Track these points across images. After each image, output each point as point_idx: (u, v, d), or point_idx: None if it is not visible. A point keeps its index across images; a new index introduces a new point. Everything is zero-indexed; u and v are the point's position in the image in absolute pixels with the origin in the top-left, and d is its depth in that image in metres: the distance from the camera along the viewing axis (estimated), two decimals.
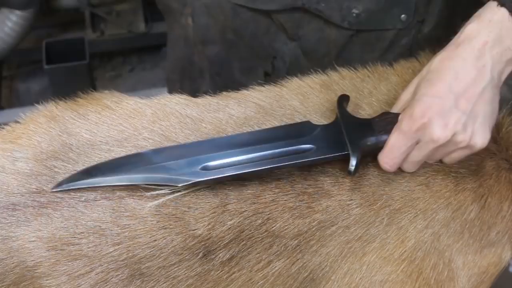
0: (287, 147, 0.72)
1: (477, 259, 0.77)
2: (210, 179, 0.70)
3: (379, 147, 0.73)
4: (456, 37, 0.71)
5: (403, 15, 0.91)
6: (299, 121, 0.77)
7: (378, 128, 0.73)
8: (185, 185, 0.69)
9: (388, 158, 0.71)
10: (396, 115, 0.73)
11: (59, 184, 0.71)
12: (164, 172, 0.70)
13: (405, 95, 0.75)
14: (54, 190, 0.70)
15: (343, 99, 0.76)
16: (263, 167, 0.71)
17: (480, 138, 0.69)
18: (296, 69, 0.98)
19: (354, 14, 0.89)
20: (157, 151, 0.73)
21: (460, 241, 0.75)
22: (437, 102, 0.67)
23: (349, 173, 0.71)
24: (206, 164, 0.71)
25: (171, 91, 1.12)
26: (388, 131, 0.72)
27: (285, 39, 0.95)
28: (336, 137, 0.73)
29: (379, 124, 0.73)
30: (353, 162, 0.70)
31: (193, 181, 0.69)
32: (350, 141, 0.72)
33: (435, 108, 0.67)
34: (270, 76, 1.00)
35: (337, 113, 0.75)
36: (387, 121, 0.73)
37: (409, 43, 0.95)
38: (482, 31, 0.68)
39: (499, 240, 0.77)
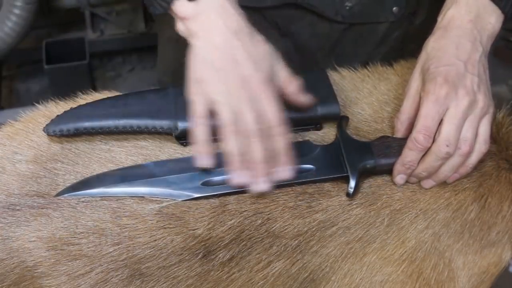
0: None
1: (477, 259, 0.77)
2: (210, 195, 0.71)
3: (377, 170, 0.74)
4: (439, 22, 0.77)
5: (395, 8, 0.91)
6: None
7: (377, 152, 0.74)
8: (186, 200, 0.71)
9: (424, 128, 0.71)
10: (395, 139, 0.76)
11: (60, 194, 0.71)
12: (166, 186, 0.71)
13: (414, 83, 0.76)
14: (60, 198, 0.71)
15: (342, 120, 0.78)
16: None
17: (488, 100, 0.73)
18: (289, 65, 0.98)
19: (347, 7, 0.89)
20: (159, 164, 0.74)
21: (461, 241, 0.75)
22: (452, 69, 0.72)
23: (348, 195, 0.72)
24: (206, 179, 0.72)
25: None
26: (386, 155, 0.74)
27: (277, 36, 0.95)
28: (336, 159, 0.74)
29: (378, 148, 0.74)
30: (352, 184, 0.72)
31: (194, 197, 0.71)
32: (349, 163, 0.73)
33: (452, 73, 0.71)
34: None
35: (337, 134, 0.77)
36: (385, 145, 0.75)
37: (401, 36, 0.95)
38: (463, 12, 0.75)
39: (499, 240, 0.77)
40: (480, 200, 0.76)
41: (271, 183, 0.70)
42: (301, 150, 0.74)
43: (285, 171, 0.71)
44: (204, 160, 0.71)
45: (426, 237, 0.74)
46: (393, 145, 0.74)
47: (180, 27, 0.76)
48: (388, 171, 0.75)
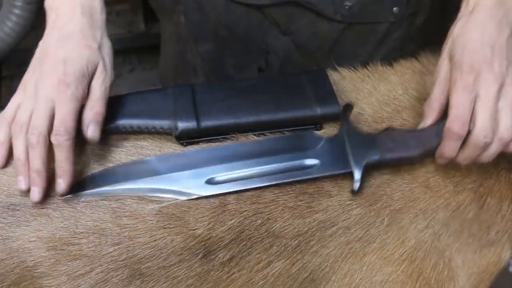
0: (292, 160, 0.73)
1: (476, 258, 0.77)
2: (214, 194, 0.71)
3: (382, 164, 0.74)
4: (462, 9, 0.76)
5: (395, 8, 0.91)
6: None
7: (383, 146, 0.73)
8: (190, 199, 0.71)
9: (456, 117, 0.70)
10: (401, 132, 0.74)
11: (64, 194, 0.71)
12: (169, 184, 0.71)
13: (443, 69, 0.75)
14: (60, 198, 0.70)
15: (347, 109, 0.76)
16: (267, 183, 0.72)
17: None
18: (290, 64, 0.98)
19: (347, 7, 0.89)
20: (162, 160, 0.73)
21: (460, 240, 0.75)
22: (479, 55, 0.70)
23: (353, 191, 0.72)
24: (210, 177, 0.72)
25: None
26: (392, 150, 0.73)
27: (278, 34, 0.95)
28: (340, 153, 0.74)
29: (384, 141, 0.74)
30: (356, 182, 0.71)
31: (197, 196, 0.71)
32: (354, 159, 0.72)
33: (479, 59, 0.70)
34: (264, 72, 1.00)
35: (341, 124, 0.76)
36: (391, 138, 0.74)
37: (402, 36, 0.95)
38: None
39: (499, 239, 0.77)
40: (479, 200, 0.76)
41: (41, 194, 0.69)
42: (305, 142, 0.74)
43: (59, 185, 0.69)
44: (20, 182, 0.70)
45: (426, 237, 0.74)
46: (398, 139, 0.73)
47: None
48: (394, 164, 0.74)
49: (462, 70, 0.70)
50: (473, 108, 0.70)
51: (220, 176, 0.72)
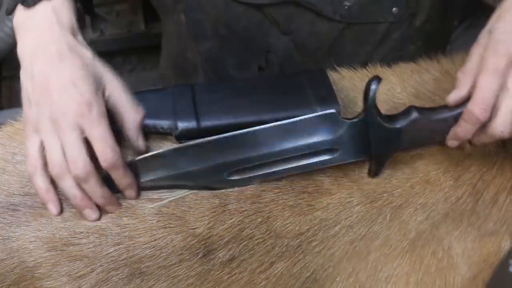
0: (312, 150, 0.72)
1: (476, 247, 0.76)
2: (236, 189, 0.71)
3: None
4: (499, 10, 0.70)
5: (394, 8, 0.91)
6: None
7: (407, 139, 0.72)
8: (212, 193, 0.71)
9: (481, 100, 0.66)
10: (429, 121, 0.71)
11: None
12: (190, 180, 0.71)
13: (482, 40, 0.70)
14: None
15: (370, 87, 0.70)
16: (287, 173, 0.72)
17: None
18: (289, 63, 0.98)
19: (346, 7, 0.89)
20: (180, 151, 0.71)
21: (459, 229, 0.75)
22: None
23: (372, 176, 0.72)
24: (231, 170, 0.71)
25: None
26: (415, 142, 0.72)
27: (278, 33, 0.95)
28: (361, 142, 0.72)
29: (409, 135, 0.72)
30: (377, 170, 0.71)
31: (221, 190, 0.71)
32: (375, 154, 0.72)
33: None
34: (264, 71, 1.00)
35: (364, 108, 0.72)
36: (417, 129, 0.72)
37: (401, 37, 0.95)
38: None
39: (498, 229, 0.77)
40: (478, 191, 0.76)
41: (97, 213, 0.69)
42: (326, 125, 0.72)
43: (131, 193, 0.70)
44: (52, 208, 0.68)
45: (425, 227, 0.74)
46: (423, 131, 0.71)
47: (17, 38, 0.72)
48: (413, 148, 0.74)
49: (497, 50, 0.66)
50: (498, 96, 0.66)
51: (240, 174, 0.72)
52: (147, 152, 0.70)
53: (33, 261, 0.68)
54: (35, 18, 0.71)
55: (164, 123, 0.76)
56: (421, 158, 0.77)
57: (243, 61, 1.01)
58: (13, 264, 0.68)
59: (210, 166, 0.71)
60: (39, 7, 0.71)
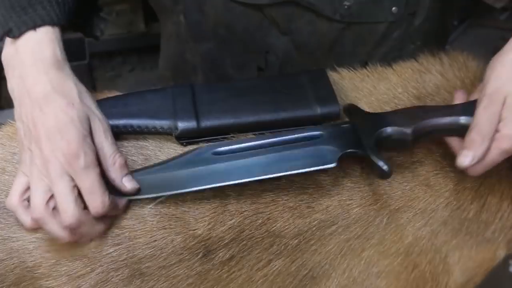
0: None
1: (472, 254, 0.77)
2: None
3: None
4: None
5: (394, 8, 0.91)
6: None
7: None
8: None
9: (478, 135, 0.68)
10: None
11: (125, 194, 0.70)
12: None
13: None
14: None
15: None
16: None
17: None
18: (289, 63, 0.98)
19: (345, 6, 0.89)
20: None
21: (457, 237, 0.76)
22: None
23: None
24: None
25: None
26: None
27: (277, 34, 0.95)
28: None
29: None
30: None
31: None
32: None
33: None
34: (263, 71, 1.00)
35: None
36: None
37: (401, 36, 0.95)
38: None
39: (495, 238, 0.77)
40: (480, 199, 0.76)
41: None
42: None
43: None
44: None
45: (423, 234, 0.74)
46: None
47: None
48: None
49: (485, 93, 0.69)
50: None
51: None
52: (132, 191, 0.69)
53: (33, 261, 0.68)
54: (20, 54, 0.70)
55: (164, 123, 0.76)
56: (422, 162, 0.77)
57: (242, 61, 1.01)
58: (13, 264, 0.68)
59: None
60: (23, 39, 0.70)
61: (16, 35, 0.70)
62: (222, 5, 0.93)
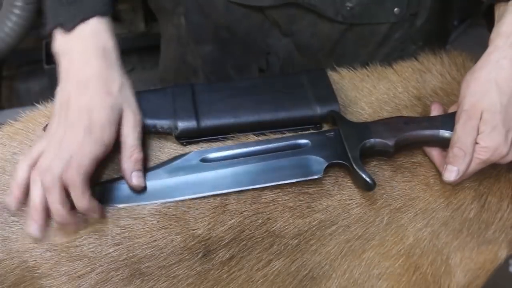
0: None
1: (473, 255, 0.77)
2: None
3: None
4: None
5: (396, 9, 0.91)
6: None
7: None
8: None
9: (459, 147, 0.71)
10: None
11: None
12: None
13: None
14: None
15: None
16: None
17: None
18: (290, 64, 0.98)
19: (348, 8, 0.89)
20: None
21: (459, 238, 0.76)
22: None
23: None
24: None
25: None
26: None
27: (279, 35, 0.95)
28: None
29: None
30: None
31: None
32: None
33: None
34: (264, 72, 1.00)
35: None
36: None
37: (403, 37, 0.96)
38: None
39: (496, 238, 0.77)
40: (480, 199, 0.76)
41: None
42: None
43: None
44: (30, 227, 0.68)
45: (424, 235, 0.74)
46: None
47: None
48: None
49: (463, 107, 0.72)
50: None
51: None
52: (137, 187, 0.71)
53: (33, 261, 0.68)
54: (71, 43, 0.74)
55: (164, 123, 0.76)
56: (422, 165, 0.77)
57: (243, 63, 1.01)
58: (13, 264, 0.68)
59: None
60: (76, 31, 0.74)
61: (67, 29, 0.73)
62: (223, 7, 0.93)
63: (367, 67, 0.87)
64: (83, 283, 0.68)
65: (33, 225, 0.67)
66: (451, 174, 0.72)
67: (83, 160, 0.67)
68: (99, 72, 0.72)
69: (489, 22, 0.79)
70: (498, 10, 0.75)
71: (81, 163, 0.67)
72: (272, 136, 0.77)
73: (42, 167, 0.68)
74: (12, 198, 0.69)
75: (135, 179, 0.70)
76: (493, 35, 0.73)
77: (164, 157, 0.75)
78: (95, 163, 0.69)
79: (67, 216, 0.68)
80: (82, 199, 0.67)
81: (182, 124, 0.75)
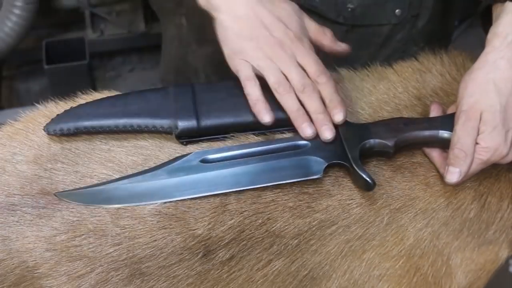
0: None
1: (474, 256, 0.77)
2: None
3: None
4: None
5: (397, 10, 0.91)
6: None
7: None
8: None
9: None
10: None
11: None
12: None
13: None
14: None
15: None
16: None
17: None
18: None
19: (349, 9, 0.89)
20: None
21: (459, 239, 0.76)
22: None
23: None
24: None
25: None
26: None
27: None
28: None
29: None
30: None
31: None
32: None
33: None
34: None
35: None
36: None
37: (404, 38, 0.95)
38: None
39: (497, 238, 0.77)
40: (480, 199, 0.76)
41: (331, 128, 0.73)
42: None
43: (339, 114, 0.74)
44: (265, 115, 0.74)
45: (425, 235, 0.74)
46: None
47: (202, 1, 0.79)
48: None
49: (461, 108, 0.72)
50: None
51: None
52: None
53: (34, 261, 0.68)
54: None
55: (165, 123, 0.76)
56: (422, 165, 0.77)
57: None
58: (13, 264, 0.68)
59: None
60: None
61: None
62: None
63: (367, 68, 0.87)
64: (83, 283, 0.68)
65: (308, 127, 0.73)
66: (453, 175, 0.72)
67: (318, 64, 0.75)
68: None
69: (485, 22, 0.79)
70: (496, 10, 0.75)
71: (319, 67, 0.75)
72: (272, 136, 0.77)
73: (282, 82, 0.74)
74: (266, 115, 0.74)
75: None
76: (490, 35, 0.73)
77: (164, 157, 0.75)
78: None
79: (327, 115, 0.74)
80: (336, 93, 0.75)
81: (182, 124, 0.75)
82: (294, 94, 0.74)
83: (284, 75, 0.74)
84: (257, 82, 0.75)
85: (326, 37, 0.79)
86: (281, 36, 0.74)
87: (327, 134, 0.73)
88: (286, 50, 0.74)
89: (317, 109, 0.73)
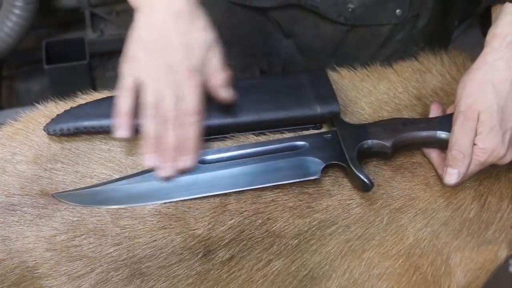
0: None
1: (474, 255, 0.77)
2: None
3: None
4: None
5: (398, 10, 0.91)
6: None
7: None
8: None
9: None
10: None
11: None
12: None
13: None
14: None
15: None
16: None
17: None
18: (292, 66, 0.98)
19: (350, 9, 0.89)
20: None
21: (459, 238, 0.76)
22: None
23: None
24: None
25: None
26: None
27: (281, 36, 0.95)
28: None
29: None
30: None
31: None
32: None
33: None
34: (266, 73, 1.00)
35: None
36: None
37: (405, 38, 0.96)
38: None
39: (496, 238, 0.77)
40: (480, 199, 0.76)
41: (175, 171, 0.71)
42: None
43: (187, 161, 0.71)
44: (121, 130, 0.72)
45: (424, 235, 0.74)
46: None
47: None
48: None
49: (459, 109, 0.72)
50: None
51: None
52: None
53: (34, 261, 0.68)
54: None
55: None
56: (421, 165, 0.77)
57: (245, 64, 1.01)
58: (13, 264, 0.68)
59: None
60: None
61: None
62: (225, 8, 0.93)
63: (367, 68, 0.87)
64: (83, 283, 0.68)
65: (169, 168, 0.71)
66: (451, 177, 0.72)
67: (195, 103, 0.71)
68: (188, 7, 0.74)
69: (483, 23, 0.79)
70: (495, 11, 0.75)
71: (195, 103, 0.71)
72: (272, 136, 0.77)
73: (161, 108, 0.71)
74: (123, 131, 0.72)
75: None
76: (489, 36, 0.73)
77: None
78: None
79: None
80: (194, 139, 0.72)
81: None
82: (159, 121, 0.71)
83: (160, 100, 0.71)
84: (132, 95, 0.72)
85: (216, 79, 0.74)
86: (177, 62, 0.71)
87: (166, 172, 0.71)
88: (175, 76, 0.71)
89: (172, 145, 0.71)
